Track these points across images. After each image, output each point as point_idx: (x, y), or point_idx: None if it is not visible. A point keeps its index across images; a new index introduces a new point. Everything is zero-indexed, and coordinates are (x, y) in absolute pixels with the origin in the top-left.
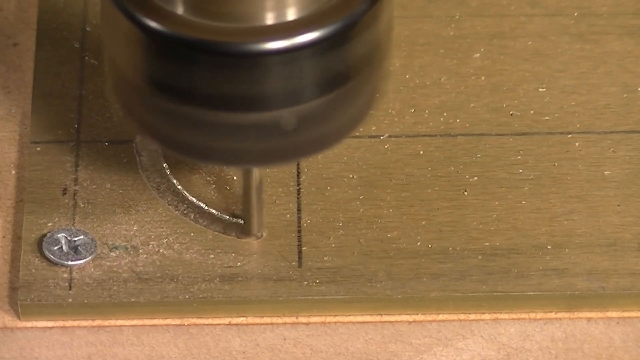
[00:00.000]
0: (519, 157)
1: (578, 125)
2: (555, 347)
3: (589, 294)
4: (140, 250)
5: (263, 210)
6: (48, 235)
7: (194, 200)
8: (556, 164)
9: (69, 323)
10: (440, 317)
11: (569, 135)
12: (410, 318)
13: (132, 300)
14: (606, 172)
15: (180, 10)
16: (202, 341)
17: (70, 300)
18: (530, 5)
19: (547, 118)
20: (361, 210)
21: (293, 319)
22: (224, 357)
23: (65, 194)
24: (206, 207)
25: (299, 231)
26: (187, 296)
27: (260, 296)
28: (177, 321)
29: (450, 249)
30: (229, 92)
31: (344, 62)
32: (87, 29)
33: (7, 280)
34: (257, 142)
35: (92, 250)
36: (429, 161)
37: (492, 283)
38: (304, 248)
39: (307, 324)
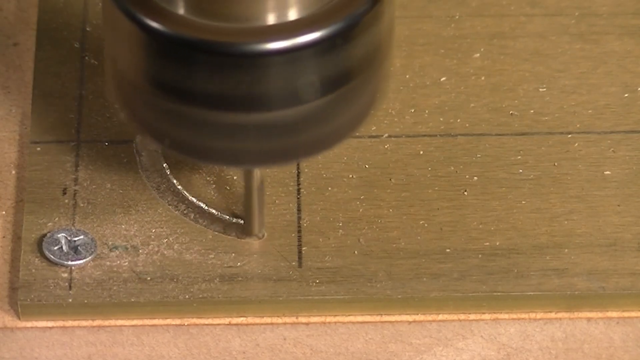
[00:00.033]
0: (519, 157)
1: (578, 125)
2: (555, 347)
3: (589, 294)
4: (140, 250)
5: (264, 211)
6: (48, 235)
7: (194, 200)
8: (556, 164)
9: (69, 323)
10: (440, 317)
11: (569, 135)
12: (410, 318)
13: (132, 300)
14: (606, 172)
15: (181, 10)
16: (202, 341)
17: (70, 300)
18: (530, 5)
19: (547, 118)
20: (361, 210)
21: (293, 319)
22: (224, 357)
23: (65, 194)
24: (206, 207)
25: (299, 231)
26: (187, 296)
27: (260, 296)
28: (177, 321)
29: (450, 249)
30: (230, 92)
31: (345, 62)
32: (87, 29)
33: (7, 280)
34: (258, 142)
35: (92, 250)
36: (429, 161)
37: (492, 283)
38: (304, 248)
39: (307, 324)
